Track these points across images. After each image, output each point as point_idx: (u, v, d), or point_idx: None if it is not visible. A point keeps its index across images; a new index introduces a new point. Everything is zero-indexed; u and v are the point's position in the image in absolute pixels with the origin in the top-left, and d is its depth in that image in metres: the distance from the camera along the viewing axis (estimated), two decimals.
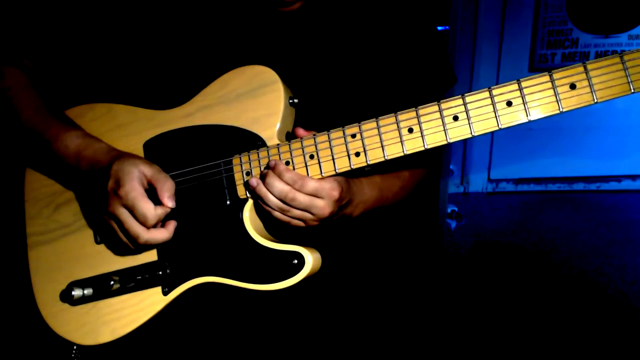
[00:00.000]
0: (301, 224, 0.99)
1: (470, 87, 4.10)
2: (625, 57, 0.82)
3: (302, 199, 0.94)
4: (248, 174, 1.01)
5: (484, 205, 4.01)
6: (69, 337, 1.09)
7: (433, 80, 1.19)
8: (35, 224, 1.15)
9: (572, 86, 0.84)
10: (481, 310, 2.76)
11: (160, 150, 1.08)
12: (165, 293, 1.04)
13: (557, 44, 3.94)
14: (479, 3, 3.92)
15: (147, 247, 1.02)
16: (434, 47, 1.21)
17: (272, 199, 0.95)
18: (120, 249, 1.07)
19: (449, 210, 3.75)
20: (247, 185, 0.99)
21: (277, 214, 0.97)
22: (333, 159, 0.95)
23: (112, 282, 1.05)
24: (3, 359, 1.30)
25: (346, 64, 1.14)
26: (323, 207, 0.96)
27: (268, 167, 0.96)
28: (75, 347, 1.10)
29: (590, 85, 0.83)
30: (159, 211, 0.97)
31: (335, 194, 0.96)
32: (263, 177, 0.96)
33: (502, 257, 3.30)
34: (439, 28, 4.17)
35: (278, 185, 0.93)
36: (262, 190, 0.95)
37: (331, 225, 1.05)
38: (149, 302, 1.05)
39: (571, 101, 0.85)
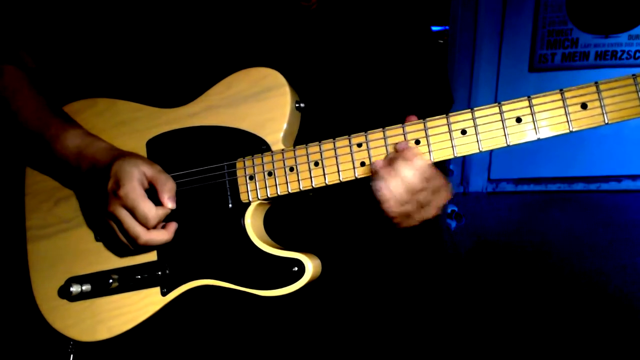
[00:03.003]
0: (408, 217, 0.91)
1: (470, 86, 4.11)
2: (639, 79, 0.80)
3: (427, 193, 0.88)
4: (251, 178, 0.99)
5: (484, 205, 4.02)
6: (66, 333, 1.09)
7: (432, 104, 1.19)
8: (34, 217, 1.14)
9: (584, 106, 0.83)
10: (481, 310, 2.76)
11: (163, 150, 1.07)
12: (163, 294, 1.04)
13: (557, 44, 3.95)
14: (479, 3, 3.92)
15: (146, 248, 1.01)
16: (437, 71, 1.21)
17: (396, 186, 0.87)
18: (119, 249, 1.07)
19: (449, 210, 3.75)
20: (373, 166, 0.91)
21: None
22: (338, 168, 0.93)
23: (111, 281, 1.04)
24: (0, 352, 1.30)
25: (357, 70, 1.13)
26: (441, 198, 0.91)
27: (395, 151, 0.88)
28: (71, 343, 1.10)
29: (602, 106, 0.81)
30: (160, 212, 0.96)
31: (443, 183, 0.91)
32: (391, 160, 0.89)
33: (502, 257, 3.30)
34: (440, 28, 4.18)
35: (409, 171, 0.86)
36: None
37: (332, 226, 1.04)
38: (147, 302, 1.05)
39: (582, 122, 0.83)
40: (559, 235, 3.49)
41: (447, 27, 4.13)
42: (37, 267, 1.13)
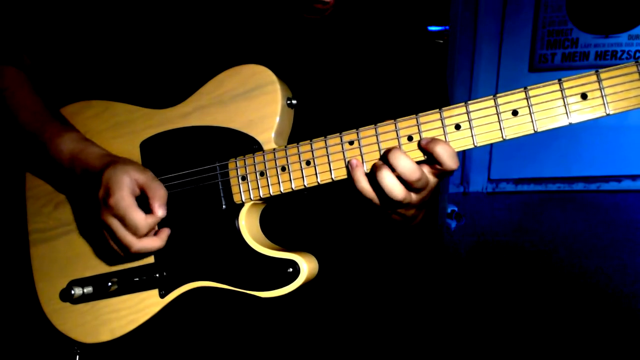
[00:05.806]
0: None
1: (470, 87, 4.10)
2: None
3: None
4: (243, 178, 0.99)
5: (484, 205, 4.01)
6: (70, 335, 1.09)
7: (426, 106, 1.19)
8: (36, 221, 1.15)
9: (584, 96, 0.78)
10: (481, 310, 2.76)
11: (157, 151, 1.07)
12: (162, 296, 1.04)
13: (557, 44, 3.94)
14: (479, 3, 3.92)
15: (140, 255, 1.02)
16: (433, 74, 1.22)
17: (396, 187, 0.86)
18: (116, 253, 1.08)
19: (449, 210, 3.75)
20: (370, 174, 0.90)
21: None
22: (330, 167, 0.92)
23: (110, 284, 1.05)
24: (6, 354, 1.31)
25: (355, 72, 1.13)
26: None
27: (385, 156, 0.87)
28: (77, 344, 1.11)
29: (603, 96, 0.77)
30: (150, 220, 0.95)
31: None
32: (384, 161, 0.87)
33: (502, 257, 3.29)
34: (440, 28, 4.17)
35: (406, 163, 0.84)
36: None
37: (329, 225, 1.04)
38: (147, 304, 1.06)
39: (582, 113, 0.78)
40: (559, 235, 3.48)
41: (447, 27, 4.13)
42: (40, 270, 1.14)
